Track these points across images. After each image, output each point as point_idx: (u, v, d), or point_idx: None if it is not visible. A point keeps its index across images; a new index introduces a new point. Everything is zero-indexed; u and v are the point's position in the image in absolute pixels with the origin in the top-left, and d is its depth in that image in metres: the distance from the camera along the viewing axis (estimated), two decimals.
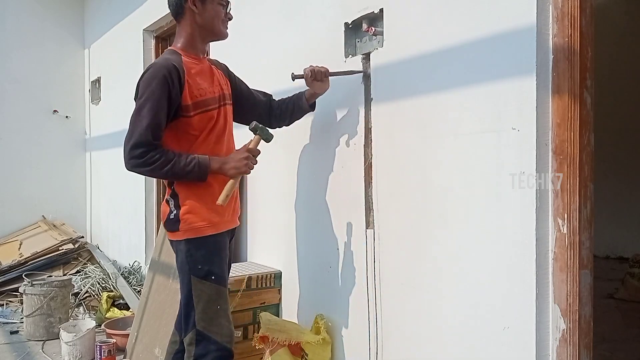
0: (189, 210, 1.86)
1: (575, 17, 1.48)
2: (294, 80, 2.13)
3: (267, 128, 1.96)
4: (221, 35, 2.01)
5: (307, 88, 2.14)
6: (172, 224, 1.89)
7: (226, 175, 1.85)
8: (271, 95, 2.25)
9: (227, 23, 2.01)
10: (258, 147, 1.90)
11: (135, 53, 4.39)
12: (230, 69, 2.16)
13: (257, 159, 1.90)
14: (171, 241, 1.96)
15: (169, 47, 1.99)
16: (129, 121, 1.80)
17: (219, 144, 1.93)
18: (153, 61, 1.85)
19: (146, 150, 1.75)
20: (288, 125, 2.24)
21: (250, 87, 2.20)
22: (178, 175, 1.81)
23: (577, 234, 1.49)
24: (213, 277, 1.84)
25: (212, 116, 1.91)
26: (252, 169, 1.88)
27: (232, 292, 2.42)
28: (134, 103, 1.84)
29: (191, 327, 1.84)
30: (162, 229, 3.15)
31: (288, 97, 2.22)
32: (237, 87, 2.14)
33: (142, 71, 1.87)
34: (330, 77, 2.11)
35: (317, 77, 2.07)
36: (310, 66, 2.07)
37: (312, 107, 2.20)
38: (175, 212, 1.88)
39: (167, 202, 1.92)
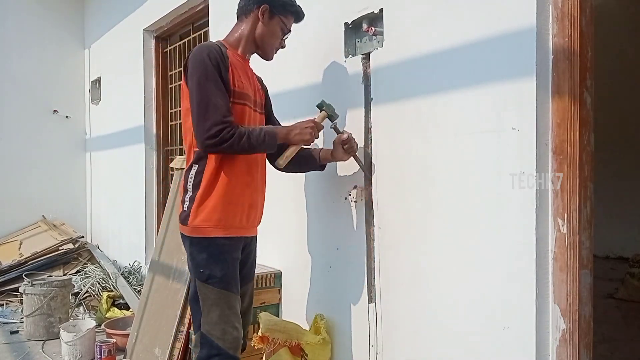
0: (201, 207, 1.81)
1: (575, 17, 1.48)
2: (331, 128, 2.03)
3: (332, 106, 2.01)
4: (266, 56, 2.03)
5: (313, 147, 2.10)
6: (183, 217, 1.85)
7: (291, 142, 1.90)
8: None
9: (277, 49, 2.03)
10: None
11: (135, 53, 4.39)
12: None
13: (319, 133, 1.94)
14: (181, 235, 1.92)
15: (220, 41, 1.97)
16: (191, 100, 1.76)
17: None
18: (195, 50, 1.84)
19: (221, 128, 1.72)
20: (287, 171, 2.11)
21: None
22: (253, 147, 1.79)
23: (577, 234, 1.49)
24: (214, 281, 1.80)
25: (248, 113, 1.90)
26: (314, 140, 1.92)
27: None
28: (187, 83, 1.81)
29: (197, 328, 1.84)
30: (162, 228, 3.15)
31: None
32: (267, 104, 2.13)
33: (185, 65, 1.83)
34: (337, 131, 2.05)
35: (346, 147, 2.01)
36: (350, 135, 2.01)
37: (322, 168, 2.15)
38: (187, 204, 1.84)
39: (185, 191, 1.87)
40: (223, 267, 1.82)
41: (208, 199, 1.81)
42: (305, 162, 2.11)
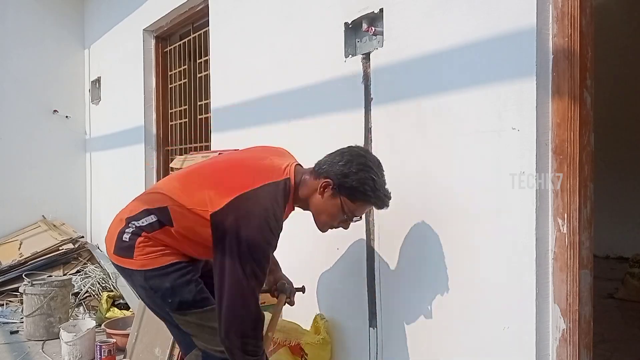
0: (149, 242, 1.66)
1: (575, 17, 1.48)
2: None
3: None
4: (319, 229, 1.76)
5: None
6: (124, 249, 1.68)
7: None
8: None
9: (329, 228, 1.75)
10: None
11: (135, 53, 4.39)
12: None
13: None
14: (121, 268, 1.72)
15: (291, 179, 1.67)
16: (223, 274, 1.55)
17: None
18: (268, 195, 1.59)
19: (252, 344, 1.58)
20: None
21: None
22: None
23: (577, 233, 1.49)
24: (190, 306, 1.65)
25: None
26: None
27: None
28: (223, 228, 1.56)
29: (192, 347, 1.72)
30: None
31: None
32: None
33: (229, 223, 1.56)
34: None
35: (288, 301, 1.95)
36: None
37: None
38: (130, 235, 1.68)
39: (127, 222, 1.71)
40: (189, 288, 1.66)
41: (152, 238, 1.67)
42: None
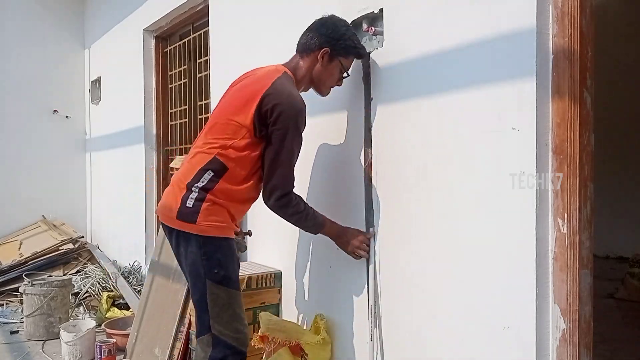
0: (212, 207, 1.80)
1: (575, 17, 1.48)
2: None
3: None
4: (320, 93, 2.07)
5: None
6: (188, 214, 1.78)
7: (339, 246, 2.06)
8: None
9: (330, 89, 2.06)
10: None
11: (135, 53, 4.39)
12: None
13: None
14: (179, 233, 1.82)
15: (287, 71, 1.96)
16: (277, 154, 1.83)
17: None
18: (285, 93, 1.83)
19: (293, 198, 1.88)
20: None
21: None
22: (299, 225, 2.00)
23: (577, 233, 1.49)
24: (227, 282, 1.79)
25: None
26: (359, 258, 2.04)
27: None
28: (273, 130, 1.81)
29: (206, 330, 1.80)
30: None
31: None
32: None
33: (275, 103, 1.80)
34: None
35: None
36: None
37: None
38: (195, 201, 1.79)
39: (187, 189, 1.81)
40: (235, 267, 1.85)
41: (221, 200, 1.82)
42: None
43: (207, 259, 1.78)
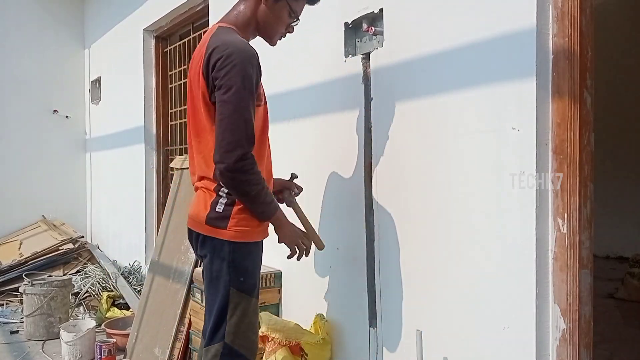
0: (243, 211, 1.66)
1: (575, 17, 1.48)
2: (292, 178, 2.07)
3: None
4: (270, 41, 1.86)
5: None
6: (218, 219, 1.66)
7: (278, 235, 1.79)
8: None
9: (283, 36, 1.86)
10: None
11: (135, 53, 4.39)
12: None
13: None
14: (205, 238, 1.70)
15: (222, 24, 1.75)
16: (223, 111, 1.56)
17: (264, 146, 1.80)
18: (228, 40, 1.62)
19: (252, 160, 1.59)
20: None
21: None
22: (254, 201, 1.65)
23: (577, 233, 1.49)
24: (253, 291, 1.70)
25: (266, 110, 1.80)
26: (296, 253, 1.83)
27: None
28: (215, 81, 1.58)
29: (219, 339, 1.69)
30: (162, 228, 3.14)
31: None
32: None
33: (217, 48, 1.60)
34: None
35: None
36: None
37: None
38: (226, 206, 1.66)
39: (216, 191, 1.68)
40: (259, 274, 1.77)
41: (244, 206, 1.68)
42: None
43: (235, 266, 1.67)
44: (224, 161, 1.57)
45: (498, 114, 1.58)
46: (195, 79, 1.69)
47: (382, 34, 2.02)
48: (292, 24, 1.84)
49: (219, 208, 1.67)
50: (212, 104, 1.63)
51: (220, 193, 1.68)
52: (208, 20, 3.34)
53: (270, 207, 1.69)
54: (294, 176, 2.07)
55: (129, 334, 2.99)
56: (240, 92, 1.57)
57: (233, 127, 1.57)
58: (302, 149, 2.47)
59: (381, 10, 2.01)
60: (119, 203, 4.86)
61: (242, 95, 1.57)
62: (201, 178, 1.75)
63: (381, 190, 2.03)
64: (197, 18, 3.74)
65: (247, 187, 1.62)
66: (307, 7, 2.18)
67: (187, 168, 2.29)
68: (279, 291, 2.59)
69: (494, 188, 1.60)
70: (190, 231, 1.79)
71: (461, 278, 1.70)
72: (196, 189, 1.79)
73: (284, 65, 2.56)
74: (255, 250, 1.73)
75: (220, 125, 1.58)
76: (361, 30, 2.12)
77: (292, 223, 1.83)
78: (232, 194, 1.66)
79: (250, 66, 1.60)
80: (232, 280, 1.67)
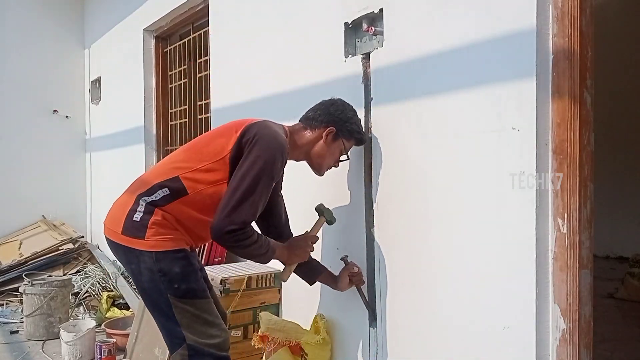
0: (163, 221, 1.69)
1: (575, 17, 1.48)
2: (341, 260, 2.09)
3: (331, 210, 2.07)
4: (318, 172, 2.02)
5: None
6: (135, 228, 1.67)
7: (290, 263, 1.93)
8: None
9: (329, 168, 2.02)
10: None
11: (135, 53, 4.39)
12: None
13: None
14: (126, 249, 1.70)
15: (285, 126, 1.92)
16: (237, 179, 1.66)
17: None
18: (271, 129, 1.76)
19: (249, 230, 1.68)
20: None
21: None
22: (254, 256, 1.78)
23: (577, 233, 1.49)
24: (192, 294, 1.70)
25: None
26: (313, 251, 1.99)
27: (232, 292, 2.42)
28: (243, 152, 1.70)
29: (179, 342, 1.70)
30: None
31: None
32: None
33: (256, 131, 1.72)
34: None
35: (355, 280, 2.06)
36: (360, 269, 2.06)
37: (311, 284, 2.10)
38: (142, 215, 1.68)
39: (137, 199, 1.71)
40: (197, 277, 1.73)
41: (166, 217, 1.71)
42: (304, 272, 2.07)
43: (164, 274, 1.66)
44: (218, 225, 1.64)
45: (498, 114, 1.58)
46: (228, 130, 1.80)
47: (382, 34, 2.02)
48: (341, 160, 2.02)
49: (136, 217, 1.69)
50: (229, 160, 1.73)
51: (141, 202, 1.71)
52: (208, 20, 3.34)
53: (265, 257, 1.80)
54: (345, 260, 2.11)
55: (129, 334, 2.99)
56: (264, 171, 1.68)
57: (239, 203, 1.65)
58: None
59: (381, 10, 2.01)
60: None
61: (262, 176, 1.68)
62: (145, 182, 1.77)
63: (381, 190, 2.03)
64: (197, 18, 3.74)
65: (235, 250, 1.75)
66: (307, 7, 2.20)
67: None
68: (279, 291, 2.59)
69: (494, 188, 1.60)
70: (108, 240, 1.78)
71: (461, 278, 1.70)
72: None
73: (284, 66, 2.56)
74: (181, 256, 1.71)
75: (233, 194, 1.66)
76: (361, 30, 2.12)
77: (292, 244, 1.94)
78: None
79: (280, 158, 1.74)
80: (168, 289, 1.68)
